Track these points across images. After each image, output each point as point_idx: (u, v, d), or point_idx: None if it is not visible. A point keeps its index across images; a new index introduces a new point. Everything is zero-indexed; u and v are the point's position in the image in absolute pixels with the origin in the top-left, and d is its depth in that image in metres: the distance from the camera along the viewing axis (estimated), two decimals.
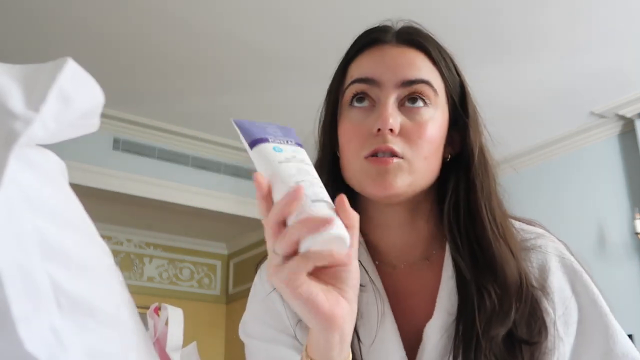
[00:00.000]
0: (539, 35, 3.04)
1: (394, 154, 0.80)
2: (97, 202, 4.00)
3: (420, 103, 0.83)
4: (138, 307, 0.56)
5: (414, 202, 0.87)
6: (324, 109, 0.92)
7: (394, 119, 0.80)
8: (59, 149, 0.51)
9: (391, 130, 0.80)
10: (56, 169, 0.52)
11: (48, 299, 0.44)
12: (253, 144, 0.64)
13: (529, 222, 0.93)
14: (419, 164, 0.82)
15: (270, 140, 0.65)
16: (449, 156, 0.89)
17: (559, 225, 0.98)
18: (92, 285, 0.48)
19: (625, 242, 3.62)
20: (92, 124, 0.54)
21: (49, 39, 3.08)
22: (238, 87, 3.52)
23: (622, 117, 3.73)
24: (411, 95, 0.83)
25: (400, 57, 0.84)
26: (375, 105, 0.83)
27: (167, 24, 2.97)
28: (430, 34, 0.90)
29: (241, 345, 0.91)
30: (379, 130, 0.80)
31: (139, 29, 3.01)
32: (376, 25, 0.91)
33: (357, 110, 0.84)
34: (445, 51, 0.89)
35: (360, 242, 0.88)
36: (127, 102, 3.68)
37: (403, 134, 0.81)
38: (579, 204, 3.84)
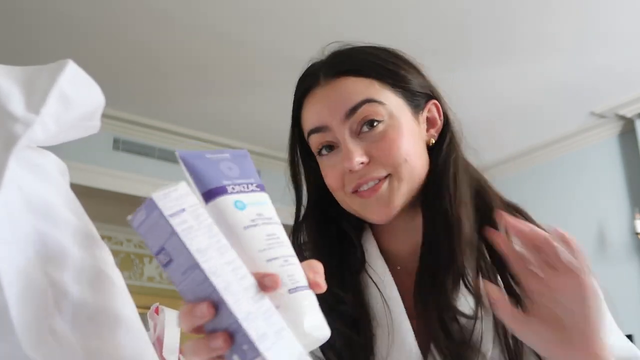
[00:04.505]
0: (538, 36, 3.04)
1: (377, 179, 0.83)
2: (97, 202, 3.99)
3: (373, 123, 0.84)
4: (138, 307, 0.55)
5: (411, 200, 0.87)
6: (297, 150, 0.92)
7: (359, 155, 0.83)
8: (59, 149, 0.51)
9: (362, 163, 0.83)
10: (57, 170, 0.52)
11: (48, 301, 0.44)
12: (209, 196, 0.51)
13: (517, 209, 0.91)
14: (402, 170, 0.83)
15: (228, 189, 0.52)
16: (432, 140, 0.90)
17: (558, 225, 0.97)
18: (92, 288, 0.48)
19: (625, 242, 3.62)
20: (93, 126, 0.54)
21: (48, 40, 3.07)
22: (238, 87, 3.51)
23: (622, 117, 3.72)
24: (363, 121, 0.84)
25: (333, 93, 0.86)
26: (339, 145, 0.85)
27: (168, 24, 2.97)
28: (354, 48, 0.91)
29: None
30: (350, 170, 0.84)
31: (140, 29, 3.01)
32: (306, 69, 0.92)
33: (326, 157, 0.87)
34: (374, 52, 0.89)
35: (374, 246, 0.90)
36: (127, 102, 3.67)
37: (373, 157, 0.83)
38: (579, 204, 3.84)
